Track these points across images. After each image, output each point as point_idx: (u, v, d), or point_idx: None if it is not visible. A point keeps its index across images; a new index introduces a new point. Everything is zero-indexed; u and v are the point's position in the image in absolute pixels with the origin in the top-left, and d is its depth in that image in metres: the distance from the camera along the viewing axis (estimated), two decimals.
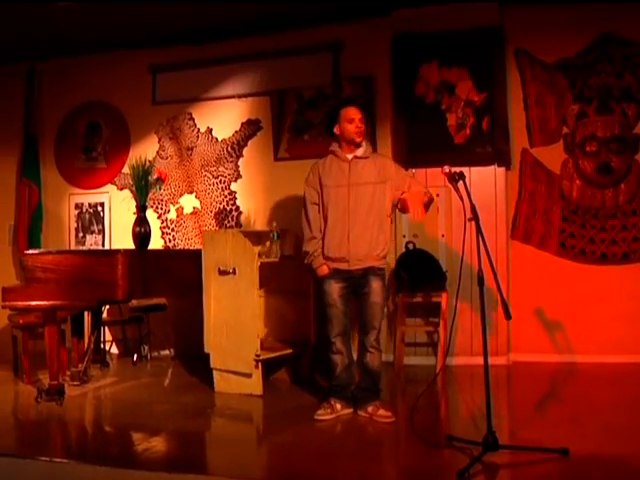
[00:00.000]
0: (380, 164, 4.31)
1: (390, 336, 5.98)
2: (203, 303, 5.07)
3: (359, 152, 4.28)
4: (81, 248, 7.12)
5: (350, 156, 4.27)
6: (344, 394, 4.29)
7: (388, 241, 4.28)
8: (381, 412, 4.14)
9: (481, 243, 3.40)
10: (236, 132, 6.73)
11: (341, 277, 4.23)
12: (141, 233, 5.46)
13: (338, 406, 4.24)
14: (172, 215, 6.95)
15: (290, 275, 5.38)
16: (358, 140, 4.25)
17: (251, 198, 6.67)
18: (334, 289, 4.23)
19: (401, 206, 4.26)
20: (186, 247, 6.85)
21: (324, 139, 6.20)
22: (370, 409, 4.18)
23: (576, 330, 5.77)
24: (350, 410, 4.28)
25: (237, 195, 6.72)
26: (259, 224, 6.54)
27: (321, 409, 4.23)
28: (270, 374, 5.31)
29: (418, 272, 5.73)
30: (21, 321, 5.43)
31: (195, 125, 6.87)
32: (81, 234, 7.25)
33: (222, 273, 4.94)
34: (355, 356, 4.40)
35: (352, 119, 4.23)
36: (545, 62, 5.94)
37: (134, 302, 6.22)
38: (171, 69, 6.91)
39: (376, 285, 4.20)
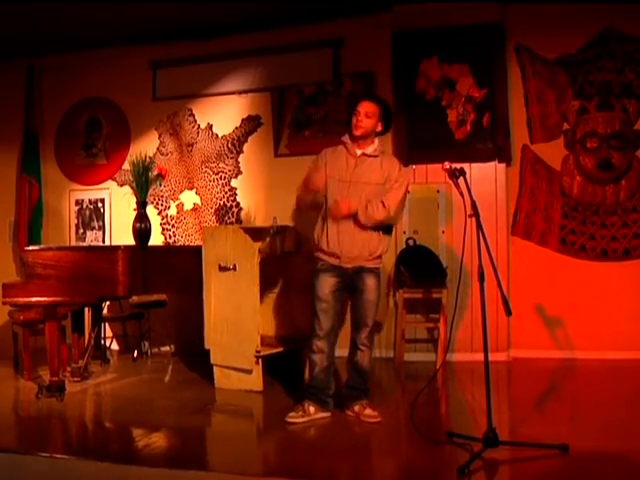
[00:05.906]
0: (387, 166, 4.13)
1: (390, 332, 5.99)
2: (203, 299, 5.07)
3: (369, 150, 4.13)
4: (81, 244, 7.13)
5: (359, 152, 4.12)
6: (320, 397, 4.12)
7: (384, 241, 4.13)
8: (367, 412, 4.07)
9: (481, 239, 3.39)
10: (236, 128, 6.73)
11: (335, 272, 4.11)
12: (141, 229, 5.45)
13: (312, 409, 4.07)
14: (172, 211, 6.94)
15: (291, 271, 5.38)
16: (355, 132, 4.10)
17: (251, 194, 6.66)
18: (327, 283, 4.09)
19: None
20: (186, 243, 6.85)
21: (325, 135, 6.27)
22: (356, 408, 4.11)
23: (576, 326, 5.78)
24: (326, 414, 4.12)
25: (237, 191, 6.72)
26: (259, 220, 6.53)
27: (293, 411, 4.07)
28: (270, 370, 5.30)
29: (418, 268, 5.73)
30: (21, 317, 5.43)
31: (195, 121, 6.87)
32: (81, 230, 7.25)
33: (222, 269, 4.94)
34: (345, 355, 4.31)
35: (357, 112, 4.11)
36: (546, 58, 5.94)
37: (134, 298, 6.24)
38: (171, 65, 6.90)
39: (370, 282, 4.10)
